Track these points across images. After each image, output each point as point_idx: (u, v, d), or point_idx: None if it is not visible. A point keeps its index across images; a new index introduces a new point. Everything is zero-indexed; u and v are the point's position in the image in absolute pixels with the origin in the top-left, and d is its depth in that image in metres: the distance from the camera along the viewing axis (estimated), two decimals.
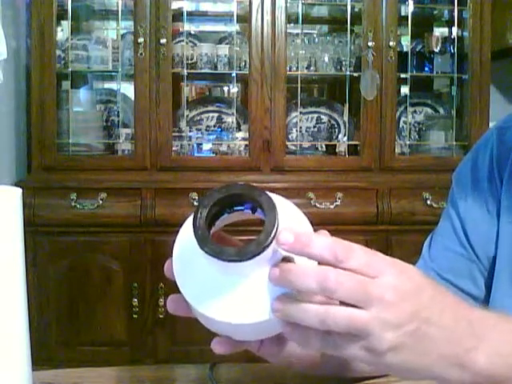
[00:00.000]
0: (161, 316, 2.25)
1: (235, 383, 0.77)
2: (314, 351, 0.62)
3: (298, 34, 2.48)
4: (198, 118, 2.63)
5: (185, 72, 2.40)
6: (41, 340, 2.18)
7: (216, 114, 2.64)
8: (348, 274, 0.46)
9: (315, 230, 0.50)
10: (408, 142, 2.57)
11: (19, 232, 0.53)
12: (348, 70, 2.44)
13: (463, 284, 0.78)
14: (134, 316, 2.27)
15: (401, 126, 2.60)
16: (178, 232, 0.51)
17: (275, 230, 0.45)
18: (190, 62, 2.44)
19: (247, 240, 0.45)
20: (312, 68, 2.51)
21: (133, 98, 2.37)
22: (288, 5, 2.35)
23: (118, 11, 2.40)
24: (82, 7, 2.49)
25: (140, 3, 2.28)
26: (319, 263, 0.47)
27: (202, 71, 2.48)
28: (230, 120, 2.58)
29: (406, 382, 0.53)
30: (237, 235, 0.53)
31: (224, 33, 2.71)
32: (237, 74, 2.46)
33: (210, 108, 2.65)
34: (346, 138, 2.57)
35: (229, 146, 2.51)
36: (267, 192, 0.48)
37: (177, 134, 2.46)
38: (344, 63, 2.47)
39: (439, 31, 2.64)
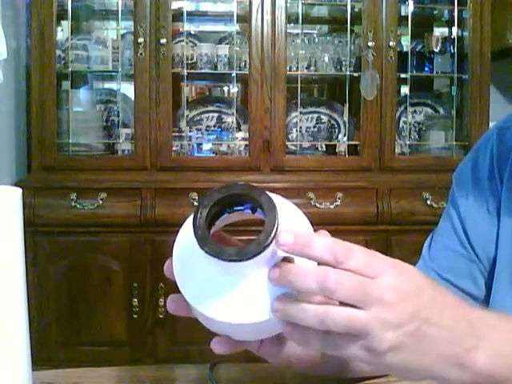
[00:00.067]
0: (161, 316, 2.25)
1: (235, 383, 0.77)
2: (313, 351, 0.62)
3: (298, 34, 2.48)
4: (198, 118, 2.63)
5: (185, 72, 2.40)
6: (41, 340, 2.18)
7: (216, 114, 2.64)
8: (348, 275, 0.46)
9: (315, 230, 0.50)
10: (408, 142, 2.57)
11: (19, 232, 0.53)
12: (348, 70, 2.44)
13: (463, 284, 0.78)
14: (134, 316, 2.27)
15: (401, 125, 2.60)
16: (177, 232, 0.51)
17: (275, 229, 0.45)
18: (189, 62, 2.44)
19: (247, 240, 0.45)
20: (312, 68, 2.51)
21: (133, 98, 2.37)
22: (288, 5, 2.35)
23: (118, 11, 2.40)
24: (81, 7, 2.49)
25: (140, 3, 2.28)
26: (319, 264, 0.47)
27: (202, 71, 2.48)
28: (230, 120, 2.58)
29: (406, 382, 0.53)
30: (237, 235, 0.53)
31: (224, 33, 2.71)
32: (237, 74, 2.46)
33: (210, 108, 2.65)
34: (345, 138, 2.57)
35: (229, 146, 2.51)
36: (267, 192, 0.48)
37: (177, 134, 2.46)
38: (344, 63, 2.47)
39: (439, 31, 2.64)
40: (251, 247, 0.45)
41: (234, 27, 2.49)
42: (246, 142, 2.41)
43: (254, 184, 0.49)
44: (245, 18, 2.41)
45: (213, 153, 2.52)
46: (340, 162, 2.46)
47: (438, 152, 2.54)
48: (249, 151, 2.38)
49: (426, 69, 2.55)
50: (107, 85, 2.75)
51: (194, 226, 0.46)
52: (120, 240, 2.28)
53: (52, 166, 2.30)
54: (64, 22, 2.42)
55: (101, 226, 2.25)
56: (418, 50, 2.65)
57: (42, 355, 2.14)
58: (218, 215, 0.49)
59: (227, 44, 2.56)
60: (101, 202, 2.24)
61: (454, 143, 2.50)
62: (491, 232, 0.78)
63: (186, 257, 0.50)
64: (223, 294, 0.48)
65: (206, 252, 0.45)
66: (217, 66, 2.47)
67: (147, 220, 2.25)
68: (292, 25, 2.48)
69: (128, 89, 2.48)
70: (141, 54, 2.28)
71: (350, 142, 2.51)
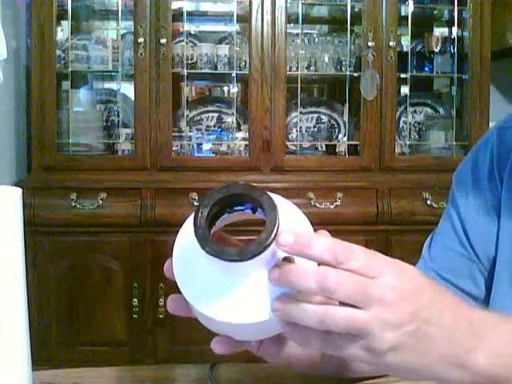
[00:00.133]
0: (161, 316, 2.25)
1: (235, 383, 0.77)
2: (313, 351, 0.62)
3: (298, 34, 2.48)
4: (198, 118, 2.63)
5: (185, 72, 2.40)
6: (41, 340, 2.18)
7: (216, 114, 2.64)
8: (348, 275, 0.46)
9: (315, 230, 0.50)
10: (408, 142, 2.57)
11: (19, 232, 0.53)
12: (348, 70, 2.44)
13: (463, 284, 0.78)
14: (134, 316, 2.27)
15: (401, 126, 2.60)
16: (177, 232, 0.51)
17: (276, 229, 0.45)
18: (190, 62, 2.44)
19: (247, 240, 0.45)
20: (312, 68, 2.51)
21: (133, 98, 2.37)
22: (288, 5, 2.35)
23: (118, 11, 2.40)
24: (81, 7, 2.49)
25: (140, 3, 2.28)
26: (319, 264, 0.47)
27: (202, 71, 2.48)
28: (230, 120, 2.58)
29: (406, 382, 0.53)
30: (237, 235, 0.53)
31: (224, 33, 2.71)
32: (237, 73, 2.46)
33: (210, 108, 2.65)
34: (345, 138, 2.57)
35: (229, 146, 2.51)
36: (268, 192, 0.48)
37: (177, 134, 2.46)
38: (344, 63, 2.47)
39: (439, 31, 2.64)
40: (252, 247, 0.45)
41: (234, 27, 2.49)
42: (246, 142, 2.41)
43: (254, 184, 0.49)
44: (245, 18, 2.41)
45: (213, 153, 2.52)
46: (340, 161, 2.46)
47: (438, 152, 2.54)
48: (249, 151, 2.38)
49: (426, 69, 2.55)
50: (107, 85, 2.75)
51: (194, 226, 0.46)
52: (120, 240, 2.28)
53: (52, 165, 2.30)
54: (64, 22, 2.42)
55: (101, 226, 2.25)
56: (418, 50, 2.65)
57: (42, 355, 2.14)
58: (219, 215, 0.49)
59: (227, 44, 2.56)
60: (101, 201, 2.24)
61: (454, 143, 2.50)
62: (491, 232, 0.78)
63: (187, 257, 0.50)
64: (224, 294, 0.48)
65: (207, 252, 0.45)
66: (217, 65, 2.47)
67: (147, 220, 2.25)
68: (292, 25, 2.48)
69: (128, 89, 2.48)
70: (141, 54, 2.28)
71: (350, 142, 2.51)
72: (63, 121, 2.37)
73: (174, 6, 2.41)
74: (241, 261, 0.45)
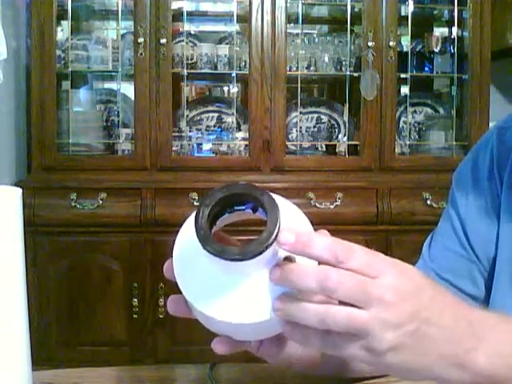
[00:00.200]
0: (161, 316, 2.25)
1: (235, 383, 0.77)
2: (313, 351, 0.62)
3: (298, 34, 2.48)
4: (198, 117, 2.63)
5: (185, 72, 2.40)
6: (41, 340, 2.18)
7: (216, 114, 2.64)
8: (348, 274, 0.46)
9: (315, 230, 0.50)
10: (408, 142, 2.57)
11: (19, 232, 0.53)
12: (348, 70, 2.44)
13: (463, 284, 0.78)
14: (134, 316, 2.27)
15: (401, 126, 2.60)
16: (177, 232, 0.51)
17: (277, 229, 0.45)
18: (190, 62, 2.44)
19: (247, 240, 0.45)
20: (312, 68, 2.51)
21: (133, 98, 2.37)
22: (288, 5, 2.35)
23: (118, 11, 2.40)
24: (81, 7, 2.49)
25: (140, 3, 2.28)
26: (320, 263, 0.47)
27: (202, 71, 2.48)
28: (230, 120, 2.58)
29: (406, 382, 0.53)
30: (237, 235, 0.53)
31: (224, 33, 2.71)
32: (237, 74, 2.46)
33: (210, 108, 2.65)
34: (345, 138, 2.57)
35: (229, 146, 2.51)
36: (268, 192, 0.48)
37: (177, 134, 2.46)
38: (344, 63, 2.47)
39: (439, 31, 2.64)
40: (253, 246, 0.45)
41: (234, 27, 2.49)
42: (246, 142, 2.41)
43: (255, 184, 0.49)
44: (245, 18, 2.41)
45: (213, 153, 2.52)
46: (340, 161, 2.46)
47: (438, 152, 2.54)
48: (249, 151, 2.38)
49: (426, 69, 2.55)
50: (107, 85, 2.75)
51: (196, 226, 0.46)
52: (120, 240, 2.28)
53: (52, 165, 2.30)
54: (64, 22, 2.42)
55: (101, 226, 2.25)
56: (418, 50, 2.65)
57: (42, 355, 2.14)
58: (219, 215, 0.49)
59: (227, 44, 2.56)
60: (101, 201, 2.24)
61: (454, 143, 2.50)
62: (491, 232, 0.78)
63: (187, 257, 0.50)
64: (224, 294, 0.48)
65: (209, 251, 0.45)
66: (217, 65, 2.47)
67: (147, 220, 2.25)
68: (292, 25, 2.48)
69: (128, 89, 2.48)
70: (141, 54, 2.28)
71: (350, 142, 2.51)
72: (63, 121, 2.37)
73: (174, 5, 2.41)
74: (242, 260, 0.45)
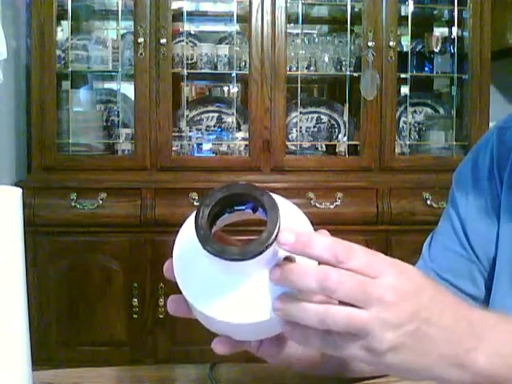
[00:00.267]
0: (161, 316, 2.25)
1: (235, 383, 0.77)
2: (313, 351, 0.62)
3: (298, 34, 2.48)
4: (198, 117, 2.63)
5: (185, 72, 2.40)
6: (41, 340, 2.18)
7: (216, 114, 2.64)
8: (348, 274, 0.46)
9: (315, 230, 0.50)
10: (408, 142, 2.57)
11: (19, 232, 0.53)
12: (348, 70, 2.44)
13: (463, 284, 0.78)
14: (134, 316, 2.27)
15: (401, 126, 2.60)
16: (177, 232, 0.51)
17: (277, 229, 0.45)
18: (190, 62, 2.44)
19: (247, 240, 0.45)
20: (312, 68, 2.51)
21: (133, 98, 2.37)
22: (288, 5, 2.35)
23: (118, 11, 2.40)
24: (81, 7, 2.49)
25: (140, 3, 2.28)
26: (320, 263, 0.47)
27: (202, 71, 2.48)
28: (230, 120, 2.58)
29: (406, 382, 0.53)
30: (237, 235, 0.53)
31: (224, 33, 2.71)
32: (237, 74, 2.46)
33: (210, 108, 2.65)
34: (345, 138, 2.57)
35: (229, 146, 2.51)
36: (268, 192, 0.48)
37: (177, 134, 2.46)
38: (344, 63, 2.47)
39: (439, 31, 2.64)
40: (254, 246, 0.45)
41: (234, 27, 2.49)
42: (246, 142, 2.41)
43: (255, 184, 0.49)
44: (245, 18, 2.41)
45: (213, 153, 2.52)
46: (340, 162, 2.46)
47: (438, 152, 2.54)
48: (249, 151, 2.38)
49: (426, 69, 2.55)
50: (107, 85, 2.75)
51: (196, 226, 0.46)
52: (120, 240, 2.28)
53: (52, 165, 2.30)
54: (64, 22, 2.42)
55: (101, 226, 2.25)
56: (418, 50, 2.65)
57: (42, 355, 2.14)
58: (219, 215, 0.49)
59: (227, 44, 2.56)
60: (101, 201, 2.24)
61: (454, 143, 2.50)
62: (491, 232, 0.78)
63: (187, 257, 0.50)
64: (224, 294, 0.48)
65: (209, 251, 0.45)
66: (217, 65, 2.47)
67: (147, 220, 2.25)
68: (292, 25, 2.48)
69: (128, 89, 2.48)
70: (141, 54, 2.28)
71: (350, 142, 2.51)
72: (63, 121, 2.37)
73: (174, 5, 2.41)
74: (242, 260, 0.45)
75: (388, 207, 2.32)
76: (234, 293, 0.48)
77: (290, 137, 2.56)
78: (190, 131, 2.54)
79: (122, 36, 2.48)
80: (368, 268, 0.47)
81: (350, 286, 0.46)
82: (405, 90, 2.63)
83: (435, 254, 0.82)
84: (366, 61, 2.35)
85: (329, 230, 0.50)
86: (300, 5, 2.45)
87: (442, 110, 2.68)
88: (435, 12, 2.69)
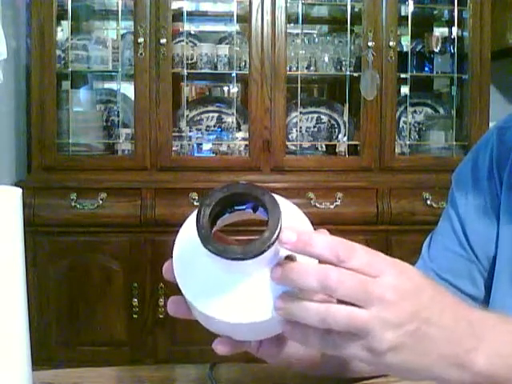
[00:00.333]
0: (161, 316, 2.25)
1: (235, 383, 0.77)
2: (313, 351, 0.62)
3: (298, 34, 2.48)
4: (198, 117, 2.63)
5: (185, 72, 2.40)
6: (41, 340, 2.18)
7: (216, 114, 2.64)
8: (349, 274, 0.46)
9: (315, 230, 0.50)
10: (408, 142, 2.57)
11: (19, 232, 0.53)
12: (348, 70, 2.44)
13: (462, 284, 0.78)
14: (134, 316, 2.27)
15: (401, 126, 2.60)
16: (177, 232, 0.51)
17: (279, 228, 0.45)
18: (190, 62, 2.44)
19: (247, 240, 0.45)
20: (312, 68, 2.51)
21: (133, 98, 2.37)
22: (288, 5, 2.35)
23: (118, 11, 2.40)
24: (81, 7, 2.49)
25: (140, 3, 2.28)
26: (321, 262, 0.47)
27: (202, 71, 2.48)
28: (230, 120, 2.58)
29: (406, 382, 0.53)
30: (237, 235, 0.53)
31: (224, 33, 2.71)
32: (237, 74, 2.46)
33: (210, 108, 2.65)
34: (345, 138, 2.57)
35: (229, 146, 2.51)
36: (269, 191, 0.48)
37: (177, 134, 2.46)
38: (344, 63, 2.47)
39: (439, 31, 2.64)
40: (255, 246, 0.45)
41: (234, 27, 2.49)
42: (246, 142, 2.41)
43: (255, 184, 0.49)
44: (245, 18, 2.41)
45: (213, 153, 2.52)
46: (340, 162, 2.46)
47: (438, 152, 2.54)
48: (249, 151, 2.38)
49: (426, 69, 2.55)
50: (107, 85, 2.75)
51: (197, 225, 0.46)
52: (120, 240, 2.28)
53: (52, 165, 2.30)
54: (64, 22, 2.42)
55: (101, 226, 2.25)
56: (418, 50, 2.65)
57: (42, 355, 2.14)
58: (219, 215, 0.49)
59: (227, 44, 2.56)
60: (101, 201, 2.24)
61: (454, 143, 2.50)
62: (491, 232, 0.78)
63: (188, 256, 0.49)
64: (225, 293, 0.48)
65: (210, 251, 0.45)
66: (217, 65, 2.47)
67: (147, 220, 2.25)
68: (292, 25, 2.48)
69: (128, 89, 2.48)
70: (141, 54, 2.28)
71: (350, 142, 2.51)
72: (63, 121, 2.37)
73: (174, 5, 2.41)
74: (244, 259, 0.45)
75: (388, 207, 2.32)
76: (234, 292, 0.47)
77: (289, 137, 2.56)
78: (189, 131, 2.54)
79: (122, 36, 2.48)
80: (369, 267, 0.47)
81: (350, 285, 0.46)
82: (405, 90, 2.63)
83: (435, 254, 0.82)
84: (365, 61, 2.36)
85: (329, 230, 0.50)
86: (300, 5, 2.45)
87: (441, 110, 2.68)
88: (435, 12, 2.69)
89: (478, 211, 0.79)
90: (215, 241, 0.46)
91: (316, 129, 2.64)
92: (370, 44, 2.34)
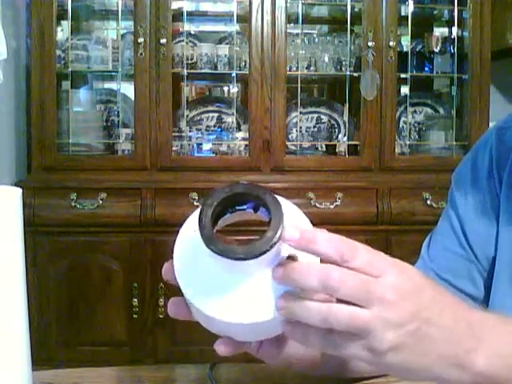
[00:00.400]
0: (161, 316, 2.25)
1: (235, 383, 0.77)
2: (314, 351, 0.62)
3: (298, 34, 2.48)
4: (198, 118, 2.63)
5: (185, 72, 2.40)
6: (41, 340, 2.18)
7: (216, 114, 2.64)
8: (351, 273, 0.46)
9: None
10: (408, 142, 2.57)
11: (19, 232, 0.53)
12: (348, 70, 2.44)
13: (462, 284, 0.78)
14: (134, 316, 2.27)
15: (401, 126, 2.60)
16: (178, 232, 0.51)
17: (281, 228, 0.45)
18: (190, 62, 2.44)
19: (246, 240, 0.45)
20: (312, 68, 2.51)
21: (133, 98, 2.37)
22: (288, 5, 2.35)
23: (118, 11, 2.40)
24: (81, 7, 2.49)
25: (140, 3, 2.28)
26: (323, 260, 0.47)
27: (202, 71, 2.48)
28: (230, 120, 2.58)
29: (406, 382, 0.53)
30: (237, 235, 0.53)
31: (224, 33, 2.71)
32: (237, 74, 2.46)
33: (210, 108, 2.65)
34: (345, 138, 2.57)
35: (229, 146, 2.51)
36: (270, 191, 0.48)
37: (177, 134, 2.46)
38: (344, 63, 2.47)
39: (439, 31, 2.64)
40: (258, 245, 0.45)
41: (234, 27, 2.49)
42: (246, 142, 2.41)
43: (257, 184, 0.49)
44: (245, 18, 2.41)
45: (213, 153, 2.52)
46: (340, 162, 2.46)
47: (438, 152, 2.54)
48: (249, 151, 2.38)
49: (426, 69, 2.55)
50: (107, 85, 2.75)
51: (199, 225, 0.46)
52: (120, 240, 2.28)
53: (52, 165, 2.30)
54: (64, 22, 2.42)
55: (101, 226, 2.25)
56: (418, 50, 2.65)
57: (42, 355, 2.14)
58: (221, 215, 0.49)
59: (227, 44, 2.56)
60: (101, 201, 2.24)
61: (454, 143, 2.50)
62: (490, 232, 0.78)
63: (188, 256, 0.49)
64: (226, 293, 0.48)
65: (213, 251, 0.45)
66: (217, 65, 2.47)
67: (147, 220, 2.25)
68: (292, 25, 2.48)
69: (128, 89, 2.48)
70: (141, 54, 2.28)
71: (350, 142, 2.51)
72: (63, 121, 2.37)
73: (174, 5, 2.41)
74: (246, 259, 0.45)
75: (388, 207, 2.32)
76: (236, 292, 0.47)
77: (289, 137, 2.56)
78: (190, 131, 2.54)
79: (122, 36, 2.48)
80: (370, 267, 0.47)
81: (352, 285, 0.46)
82: (405, 90, 2.63)
83: (434, 254, 0.82)
84: (366, 61, 2.35)
85: (329, 230, 0.50)
86: (300, 5, 2.45)
87: (442, 110, 2.68)
88: (435, 12, 2.69)
89: (477, 211, 0.79)
90: (217, 241, 0.46)
91: (316, 129, 2.64)
92: (369, 44, 2.34)
